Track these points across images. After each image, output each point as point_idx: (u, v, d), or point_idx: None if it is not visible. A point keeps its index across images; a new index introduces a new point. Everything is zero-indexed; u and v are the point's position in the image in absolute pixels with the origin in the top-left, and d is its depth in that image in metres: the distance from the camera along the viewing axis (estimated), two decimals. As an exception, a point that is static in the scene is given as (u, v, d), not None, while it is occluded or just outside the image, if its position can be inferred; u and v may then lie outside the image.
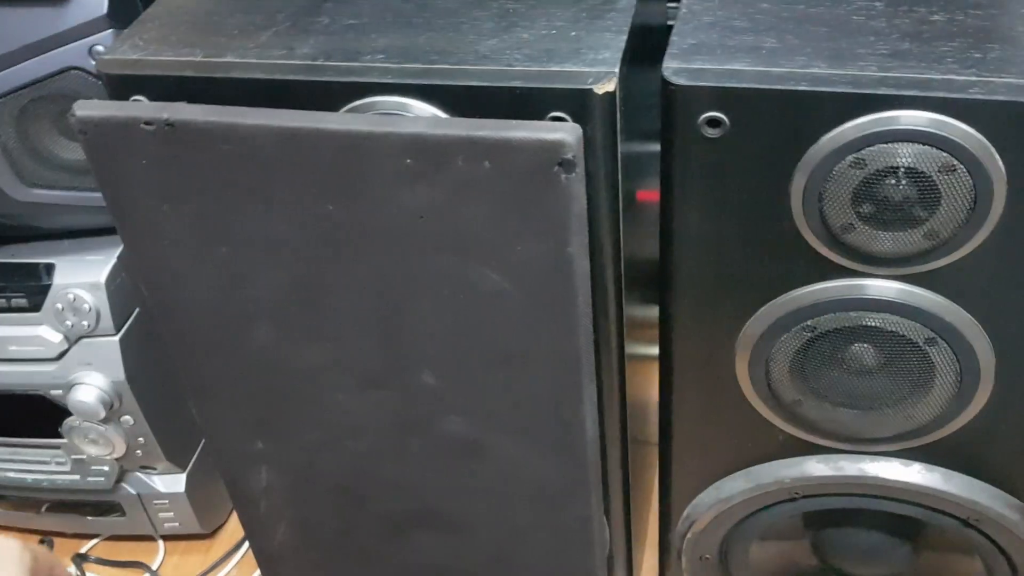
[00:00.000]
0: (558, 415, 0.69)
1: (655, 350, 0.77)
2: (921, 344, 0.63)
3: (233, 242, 0.65)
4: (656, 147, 0.63)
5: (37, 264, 0.89)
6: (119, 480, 1.05)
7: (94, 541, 1.15)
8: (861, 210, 0.57)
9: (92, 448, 0.98)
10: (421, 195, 0.59)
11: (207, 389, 0.76)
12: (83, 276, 0.88)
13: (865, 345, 0.65)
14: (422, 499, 0.79)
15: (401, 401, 0.72)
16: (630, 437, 0.86)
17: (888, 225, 0.58)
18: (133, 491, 1.05)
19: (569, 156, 0.54)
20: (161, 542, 1.14)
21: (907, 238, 0.58)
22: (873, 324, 0.63)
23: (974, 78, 0.54)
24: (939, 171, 0.55)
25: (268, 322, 0.69)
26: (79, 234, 0.93)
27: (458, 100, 0.60)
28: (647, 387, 0.92)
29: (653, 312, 0.75)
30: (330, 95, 0.61)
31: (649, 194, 0.74)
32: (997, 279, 0.60)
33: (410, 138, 0.56)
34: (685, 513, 0.84)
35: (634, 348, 0.84)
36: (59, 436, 0.98)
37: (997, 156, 0.54)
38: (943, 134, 0.54)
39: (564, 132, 0.55)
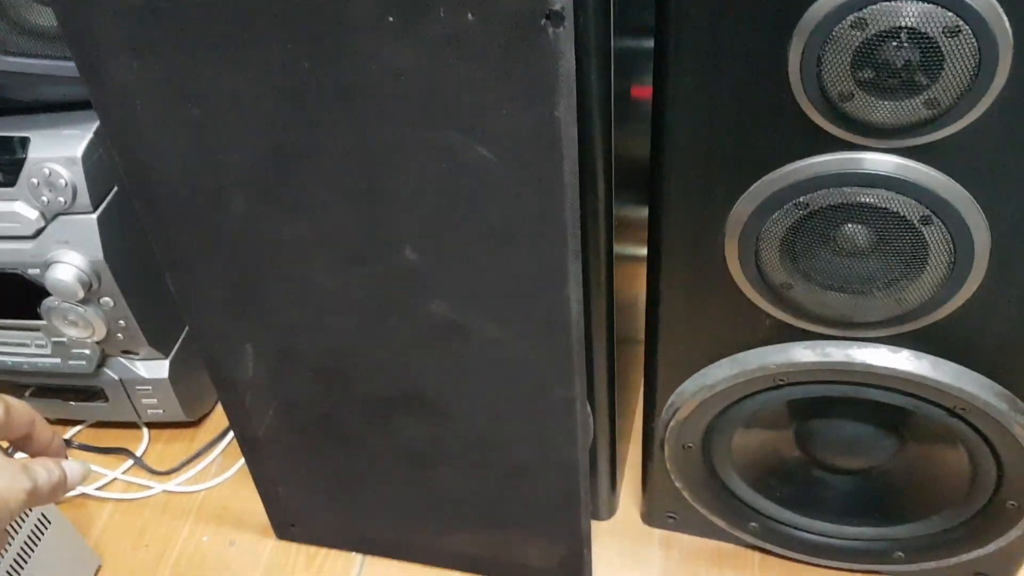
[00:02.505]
0: (542, 293, 0.68)
1: (644, 251, 0.76)
2: (916, 223, 0.61)
3: (206, 102, 0.62)
4: (650, 43, 0.61)
5: (11, 137, 0.86)
6: (101, 365, 1.04)
7: (78, 427, 1.15)
8: (860, 76, 0.55)
9: (72, 330, 0.97)
10: (402, 52, 0.56)
11: (184, 264, 0.74)
12: (59, 150, 0.86)
13: (858, 224, 0.63)
14: (405, 381, 0.78)
15: (383, 279, 0.70)
16: (617, 336, 0.85)
17: (888, 93, 0.55)
18: (116, 376, 1.04)
19: (557, 7, 0.51)
20: (145, 429, 1.14)
21: (907, 107, 0.56)
22: (867, 201, 0.61)
23: (985, -68, 0.51)
24: (943, 33, 0.52)
25: (244, 192, 0.67)
26: (55, 109, 0.90)
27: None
28: (636, 287, 0.91)
29: (643, 213, 0.73)
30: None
31: (643, 90, 0.72)
32: (998, 154, 0.58)
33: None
34: (669, 401, 0.84)
35: (623, 248, 0.82)
36: (38, 317, 0.97)
37: (1005, 18, 0.52)
38: (950, -8, 0.51)
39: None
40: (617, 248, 0.78)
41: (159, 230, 0.72)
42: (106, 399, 1.07)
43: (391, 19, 0.55)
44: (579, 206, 0.63)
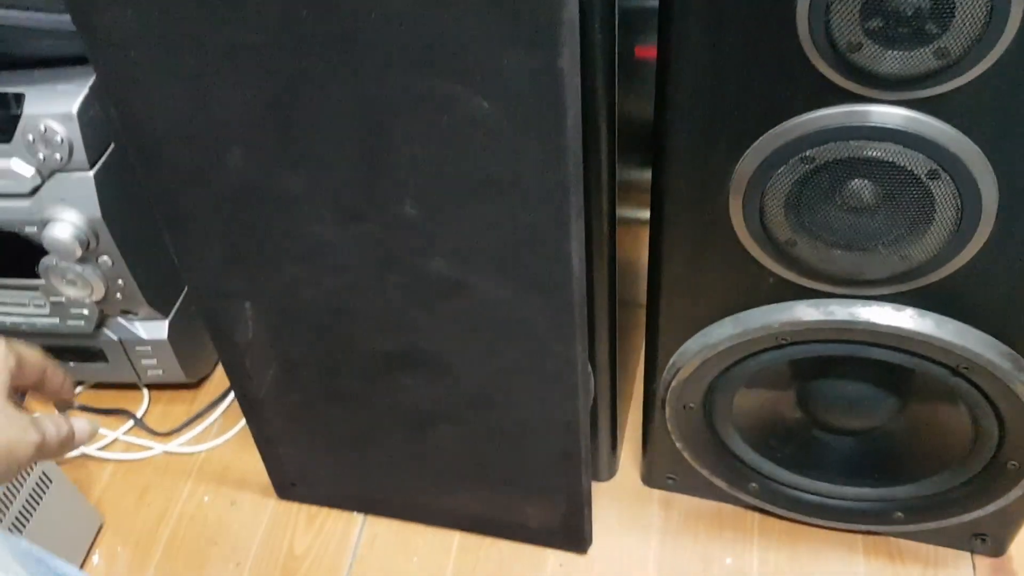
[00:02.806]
0: (544, 250, 0.67)
1: (647, 214, 0.75)
2: (923, 177, 0.61)
3: (202, 52, 0.61)
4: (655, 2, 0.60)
5: (6, 93, 0.85)
6: (100, 325, 1.03)
7: (78, 388, 1.14)
8: (869, 25, 0.54)
9: (70, 289, 0.96)
10: None
11: (182, 220, 0.73)
12: (55, 106, 0.84)
13: (864, 180, 0.63)
14: (405, 338, 0.78)
15: (383, 235, 0.70)
16: (619, 298, 0.84)
17: (897, 42, 0.54)
18: (115, 337, 1.04)
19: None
20: (146, 391, 1.14)
21: (916, 57, 0.55)
22: (874, 155, 0.60)
23: None
24: (955, -20, 0.51)
25: (242, 146, 0.66)
26: (51, 64, 0.89)
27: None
28: (638, 250, 0.90)
29: (646, 175, 0.73)
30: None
31: (648, 50, 0.71)
32: (1008, 107, 0.57)
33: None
34: (671, 361, 0.83)
35: (626, 211, 0.81)
36: (36, 276, 0.96)
37: (1018, -36, 0.51)
38: (962, -62, 0.50)
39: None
40: (620, 211, 0.77)
41: (156, 186, 0.71)
42: (106, 360, 1.07)
43: None
44: (582, 162, 0.63)
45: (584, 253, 0.68)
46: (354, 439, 0.90)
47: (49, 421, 0.56)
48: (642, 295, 0.82)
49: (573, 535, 0.93)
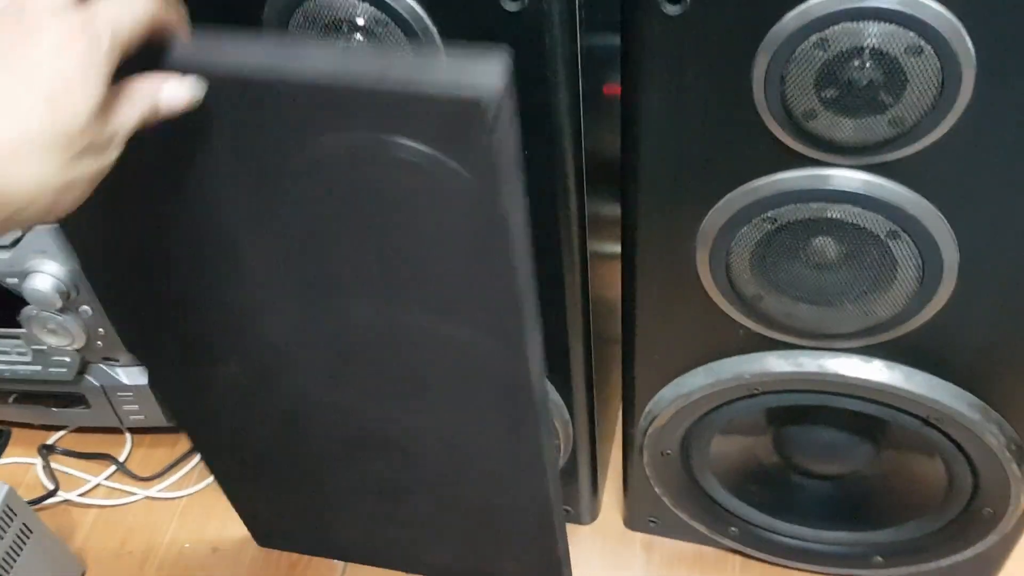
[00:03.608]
0: (500, 368, 0.65)
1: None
2: (883, 237, 0.61)
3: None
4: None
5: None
6: (82, 372, 1.04)
7: (61, 433, 1.15)
8: (824, 95, 0.55)
9: (51, 338, 0.97)
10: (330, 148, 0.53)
11: (137, 327, 0.74)
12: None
13: (827, 238, 0.63)
14: (366, 427, 0.77)
15: (335, 338, 0.68)
16: (597, 335, 0.84)
17: (852, 111, 0.55)
18: (97, 383, 1.04)
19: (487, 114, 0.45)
20: (128, 434, 1.14)
21: (871, 125, 0.55)
22: (835, 216, 0.61)
23: (947, -48, 0.51)
24: (906, 52, 0.52)
25: (190, 266, 0.66)
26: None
27: None
28: (616, 285, 0.90)
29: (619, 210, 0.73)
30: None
31: (615, 88, 0.71)
32: (963, 170, 0.58)
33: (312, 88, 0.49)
34: (647, 408, 0.84)
35: (601, 246, 0.82)
36: (18, 326, 0.97)
37: (967, 38, 0.51)
38: (911, 12, 0.51)
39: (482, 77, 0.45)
40: (595, 246, 0.77)
41: (112, 298, 0.71)
42: (88, 405, 1.07)
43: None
44: (531, 280, 0.60)
45: (540, 369, 0.66)
46: (323, 504, 0.90)
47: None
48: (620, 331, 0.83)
49: (553, 585, 0.93)
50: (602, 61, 0.71)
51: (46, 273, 0.91)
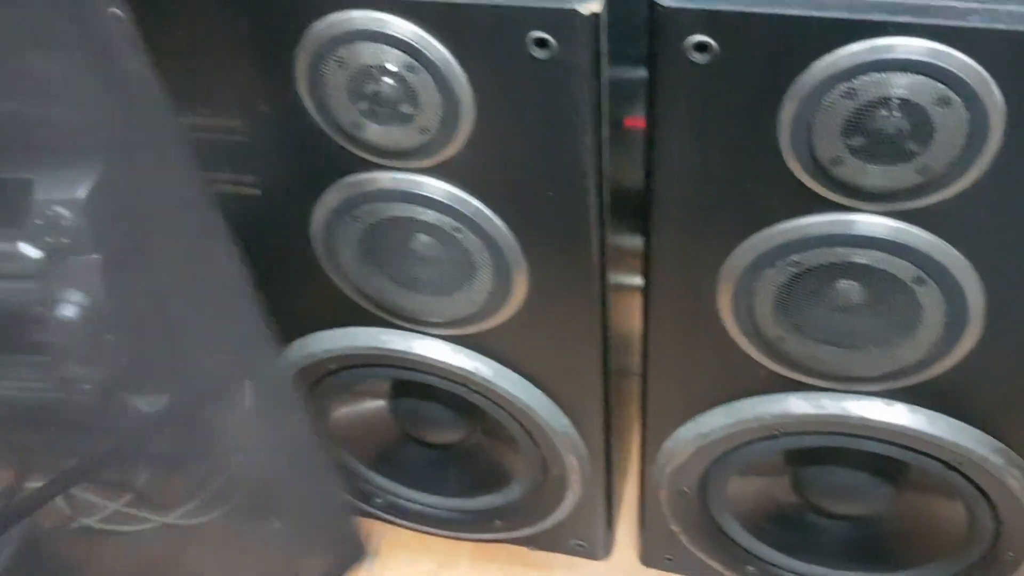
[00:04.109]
0: None
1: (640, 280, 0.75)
2: (909, 283, 0.61)
3: None
4: (644, 72, 0.61)
5: (14, 179, 0.87)
6: (104, 399, 1.04)
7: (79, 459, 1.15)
8: (851, 142, 0.55)
9: (76, 366, 0.97)
10: None
11: None
12: (63, 192, 0.87)
13: (851, 282, 0.63)
14: None
15: None
16: (615, 368, 0.84)
17: (879, 159, 0.55)
18: (118, 412, 1.05)
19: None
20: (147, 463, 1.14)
21: (898, 173, 0.56)
22: (860, 261, 0.61)
23: (974, 5, 0.51)
24: (934, 103, 0.52)
25: None
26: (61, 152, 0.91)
27: (439, 17, 0.58)
28: (635, 318, 0.90)
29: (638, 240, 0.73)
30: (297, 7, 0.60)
31: (637, 121, 0.72)
32: (991, 218, 0.58)
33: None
34: (665, 446, 0.83)
35: (621, 278, 0.82)
36: (43, 354, 0.97)
37: (996, 89, 0.52)
38: (940, 64, 0.51)
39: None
40: (613, 279, 0.78)
41: None
42: (109, 432, 1.08)
43: None
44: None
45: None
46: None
47: None
48: (639, 364, 0.83)
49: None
50: (625, 95, 0.71)
51: (71, 302, 0.91)
